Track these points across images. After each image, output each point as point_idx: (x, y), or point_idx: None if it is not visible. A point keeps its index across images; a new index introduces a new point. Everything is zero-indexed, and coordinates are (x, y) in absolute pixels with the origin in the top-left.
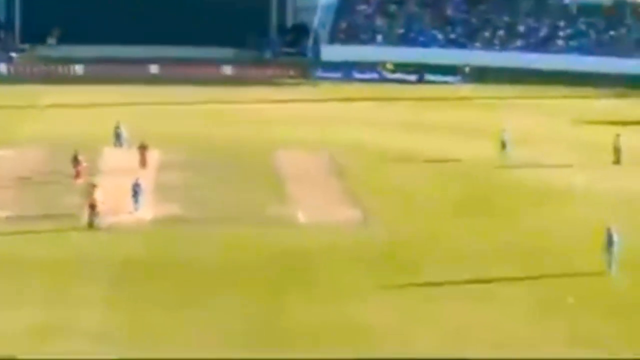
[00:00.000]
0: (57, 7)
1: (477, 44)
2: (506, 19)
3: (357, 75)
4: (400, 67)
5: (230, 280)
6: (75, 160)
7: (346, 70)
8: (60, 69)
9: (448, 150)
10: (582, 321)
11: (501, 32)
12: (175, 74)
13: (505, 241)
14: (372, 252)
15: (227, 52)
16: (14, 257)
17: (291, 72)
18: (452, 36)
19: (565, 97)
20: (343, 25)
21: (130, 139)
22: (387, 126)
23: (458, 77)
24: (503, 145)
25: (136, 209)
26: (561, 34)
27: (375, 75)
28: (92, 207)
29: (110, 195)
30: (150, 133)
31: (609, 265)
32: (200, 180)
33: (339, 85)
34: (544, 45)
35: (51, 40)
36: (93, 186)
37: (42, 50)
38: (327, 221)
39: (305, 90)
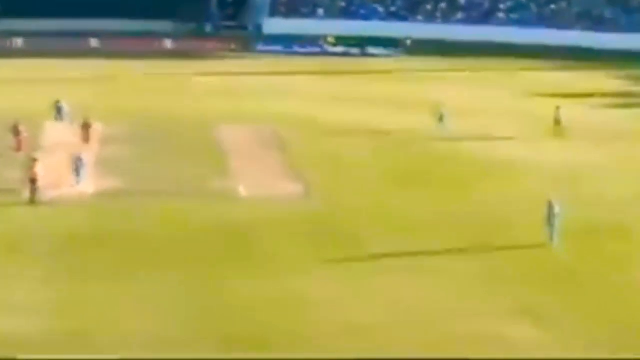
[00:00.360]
0: None
1: (419, 17)
2: None
3: (299, 49)
4: (342, 40)
5: (170, 253)
6: (16, 131)
7: (287, 43)
8: (0, 42)
9: (389, 122)
10: (525, 293)
11: (443, 5)
12: (116, 48)
13: (446, 213)
14: (314, 225)
15: (167, 25)
16: None
17: (232, 46)
18: (393, 9)
19: (506, 69)
20: None
21: (71, 113)
22: (329, 99)
23: (399, 50)
24: (441, 118)
25: (78, 183)
26: (502, 6)
27: (316, 49)
28: (33, 181)
29: (52, 169)
30: (92, 107)
31: (551, 237)
32: (142, 154)
33: (280, 58)
34: (485, 18)
35: None
36: (34, 160)
37: None
38: (269, 195)
39: (246, 64)
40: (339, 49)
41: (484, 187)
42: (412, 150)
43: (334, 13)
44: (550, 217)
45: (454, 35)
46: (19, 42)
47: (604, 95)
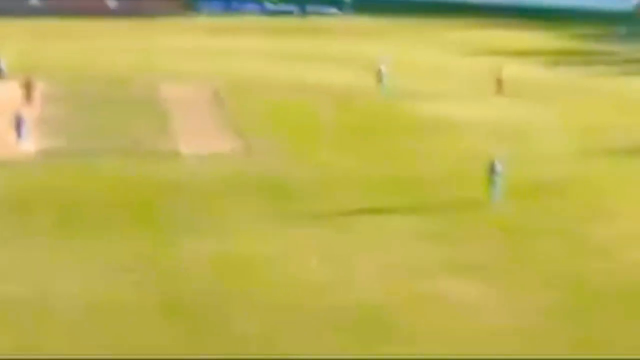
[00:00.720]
0: None
1: None
2: None
3: (239, 7)
4: None
5: (112, 213)
6: None
7: (228, 2)
8: None
9: (329, 80)
10: (465, 250)
11: None
12: (57, 6)
13: (388, 171)
14: (256, 182)
15: None
16: None
17: (173, 5)
18: None
19: (449, 28)
20: None
21: (11, 71)
22: (270, 57)
23: (339, 8)
24: (383, 76)
25: (19, 142)
26: None
27: (257, 7)
28: None
29: None
30: (32, 65)
31: (493, 194)
32: (84, 113)
33: (221, 17)
34: None
35: None
36: None
37: None
38: (210, 152)
39: (187, 23)
40: (280, 7)
41: (426, 144)
42: (353, 107)
43: None
44: (492, 175)
45: None
46: None
47: (546, 53)
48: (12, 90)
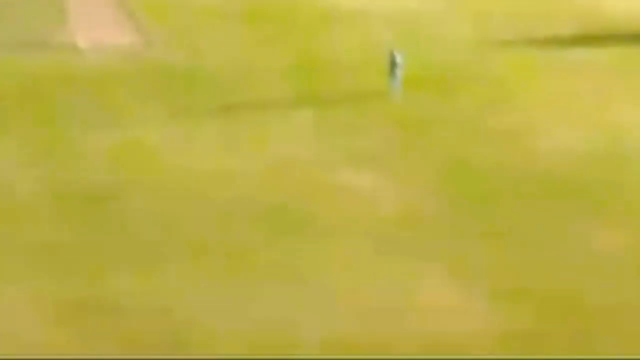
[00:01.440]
0: None
1: None
2: None
3: None
4: None
5: (9, 107)
6: None
7: None
8: None
9: None
10: (365, 142)
11: None
12: None
13: (288, 61)
14: (156, 76)
15: None
16: None
17: None
18: None
19: None
20: None
21: None
22: None
23: None
24: None
25: None
26: None
27: None
28: None
29: None
30: None
31: (391, 86)
32: None
33: None
34: None
35: None
36: None
37: None
38: (109, 45)
39: None
40: None
41: (325, 35)
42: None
43: None
44: (392, 66)
45: None
46: None
47: None
48: None
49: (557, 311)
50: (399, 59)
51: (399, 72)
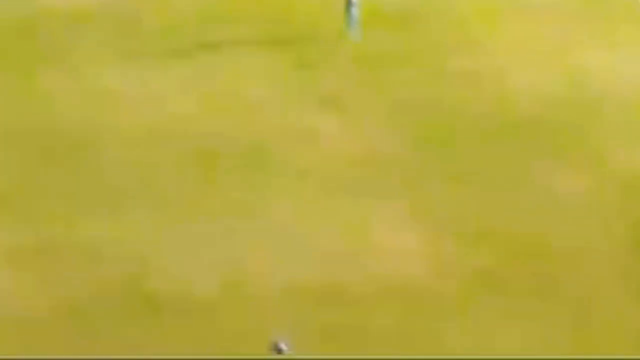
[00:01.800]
0: None
1: None
2: None
3: None
4: None
5: None
6: None
7: None
8: None
9: None
10: (327, 83)
11: None
12: None
13: (245, 4)
14: (109, 19)
15: None
16: None
17: None
18: None
19: None
20: None
21: None
22: None
23: None
24: None
25: None
26: None
27: None
28: None
29: None
30: None
31: (348, 25)
32: None
33: None
34: None
35: None
36: None
37: None
38: None
39: None
40: None
41: None
42: None
43: None
44: (348, 5)
45: None
46: None
47: None
48: None
49: (520, 253)
50: None
51: (355, 11)
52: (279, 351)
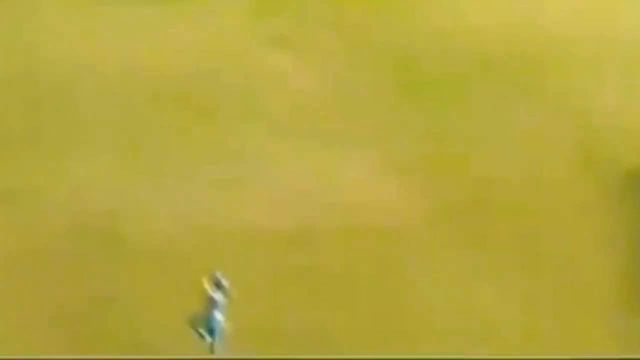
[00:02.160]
0: None
1: None
2: None
3: None
4: None
5: None
6: None
7: None
8: None
9: None
10: (280, 22)
11: None
12: None
13: None
14: None
15: None
16: None
17: None
18: None
19: None
20: None
21: None
22: None
23: None
24: None
25: None
26: None
27: None
28: None
29: None
30: None
31: None
32: None
33: None
34: None
35: None
36: None
37: None
38: None
39: None
40: None
41: None
42: None
43: None
44: None
45: None
46: None
47: None
48: None
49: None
50: None
51: None
52: (218, 286)
